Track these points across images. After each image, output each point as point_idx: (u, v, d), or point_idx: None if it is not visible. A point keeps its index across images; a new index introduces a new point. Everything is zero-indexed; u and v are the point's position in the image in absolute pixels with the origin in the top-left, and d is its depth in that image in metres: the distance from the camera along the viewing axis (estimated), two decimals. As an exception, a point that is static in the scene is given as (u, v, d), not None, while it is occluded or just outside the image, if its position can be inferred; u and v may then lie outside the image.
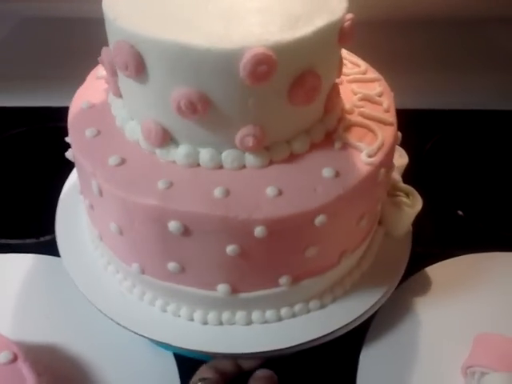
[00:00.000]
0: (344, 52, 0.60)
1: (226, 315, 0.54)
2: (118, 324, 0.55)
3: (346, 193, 0.47)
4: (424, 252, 0.68)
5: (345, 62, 0.57)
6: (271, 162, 0.49)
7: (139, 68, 0.44)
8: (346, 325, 0.55)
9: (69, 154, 0.55)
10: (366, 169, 0.49)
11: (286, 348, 0.53)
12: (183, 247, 0.49)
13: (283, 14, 0.44)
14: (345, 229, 0.52)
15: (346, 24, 0.46)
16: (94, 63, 0.60)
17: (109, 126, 0.53)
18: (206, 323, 0.54)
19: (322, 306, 0.56)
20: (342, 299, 0.57)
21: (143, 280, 0.54)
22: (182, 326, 0.54)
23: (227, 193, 0.46)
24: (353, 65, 0.60)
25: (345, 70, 0.57)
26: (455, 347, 0.60)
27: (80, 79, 0.59)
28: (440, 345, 0.62)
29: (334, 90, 0.51)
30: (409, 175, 0.69)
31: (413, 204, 0.60)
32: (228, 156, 0.48)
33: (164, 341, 0.54)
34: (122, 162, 0.49)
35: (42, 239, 0.73)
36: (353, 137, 0.51)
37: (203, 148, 0.48)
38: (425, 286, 0.67)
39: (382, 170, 0.50)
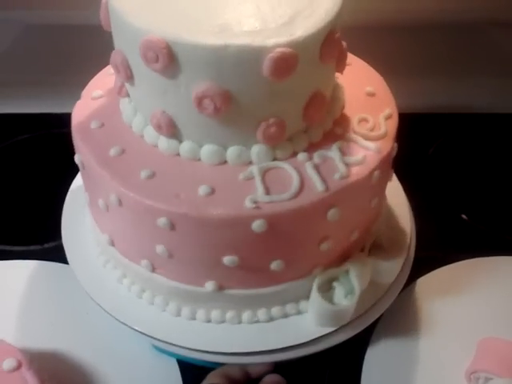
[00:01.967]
0: (381, 118, 0.54)
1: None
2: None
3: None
4: (427, 256, 0.68)
5: (368, 118, 0.54)
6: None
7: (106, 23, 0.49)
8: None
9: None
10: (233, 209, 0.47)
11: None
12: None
13: (239, 21, 0.45)
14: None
15: (271, 56, 0.43)
16: (97, 70, 0.61)
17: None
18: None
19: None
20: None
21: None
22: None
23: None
24: (376, 126, 0.54)
25: (358, 127, 0.53)
26: (459, 352, 0.60)
27: (83, 86, 0.59)
28: (444, 349, 0.61)
29: (275, 124, 0.48)
30: (412, 179, 0.70)
31: None
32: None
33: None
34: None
35: (46, 246, 0.73)
36: (268, 180, 0.49)
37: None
38: (428, 291, 0.66)
39: (259, 222, 0.46)
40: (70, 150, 0.55)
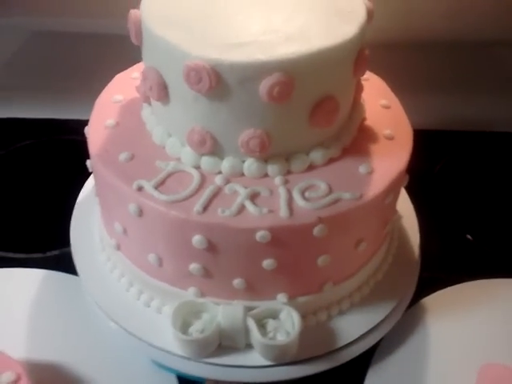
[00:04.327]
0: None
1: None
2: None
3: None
4: (432, 277, 0.68)
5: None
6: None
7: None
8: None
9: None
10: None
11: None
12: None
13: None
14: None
15: (186, 64, 0.44)
16: (103, 77, 0.60)
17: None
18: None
19: None
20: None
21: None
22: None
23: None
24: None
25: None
26: (461, 375, 0.59)
27: (88, 93, 0.59)
28: (445, 373, 0.61)
29: (198, 133, 0.49)
30: (418, 197, 0.69)
31: None
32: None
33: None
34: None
35: (48, 254, 0.73)
36: (172, 178, 0.50)
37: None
38: (432, 312, 0.66)
39: (133, 206, 0.49)
40: (72, 157, 0.55)
